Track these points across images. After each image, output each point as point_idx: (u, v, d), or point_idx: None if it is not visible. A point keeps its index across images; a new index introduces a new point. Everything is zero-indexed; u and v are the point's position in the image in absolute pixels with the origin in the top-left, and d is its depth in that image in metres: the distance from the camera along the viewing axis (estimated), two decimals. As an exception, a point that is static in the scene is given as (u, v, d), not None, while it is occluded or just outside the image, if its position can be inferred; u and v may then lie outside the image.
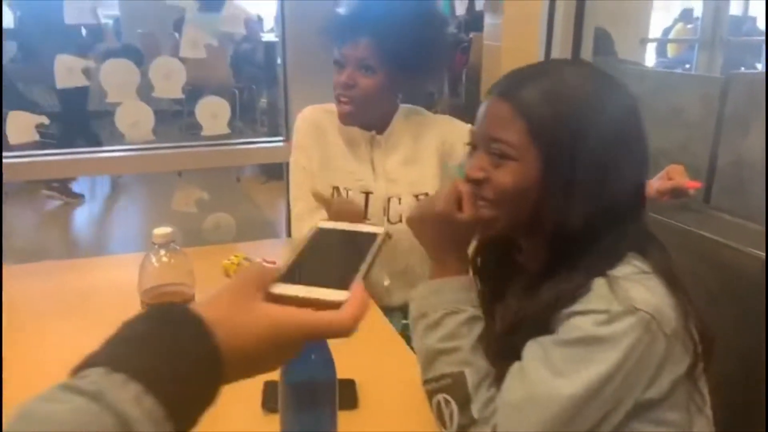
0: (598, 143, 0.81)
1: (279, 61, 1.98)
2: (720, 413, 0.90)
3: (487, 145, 0.85)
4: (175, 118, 5.12)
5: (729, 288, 1.15)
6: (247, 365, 0.48)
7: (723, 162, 1.54)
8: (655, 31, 6.71)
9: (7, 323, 1.24)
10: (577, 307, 0.78)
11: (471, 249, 0.97)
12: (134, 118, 1.68)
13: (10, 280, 1.45)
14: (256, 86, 5.42)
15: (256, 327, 0.47)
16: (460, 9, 1.95)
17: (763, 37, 5.90)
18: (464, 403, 0.83)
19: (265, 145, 2.05)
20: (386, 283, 1.55)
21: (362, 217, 1.52)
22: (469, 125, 1.62)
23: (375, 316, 1.34)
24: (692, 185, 1.31)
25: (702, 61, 4.95)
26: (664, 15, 7.26)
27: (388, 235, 0.59)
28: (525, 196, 0.83)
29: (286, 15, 1.83)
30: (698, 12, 5.67)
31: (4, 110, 1.67)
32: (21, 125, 1.61)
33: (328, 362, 0.84)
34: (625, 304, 0.75)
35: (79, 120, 4.20)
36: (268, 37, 5.37)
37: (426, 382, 0.88)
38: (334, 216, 1.48)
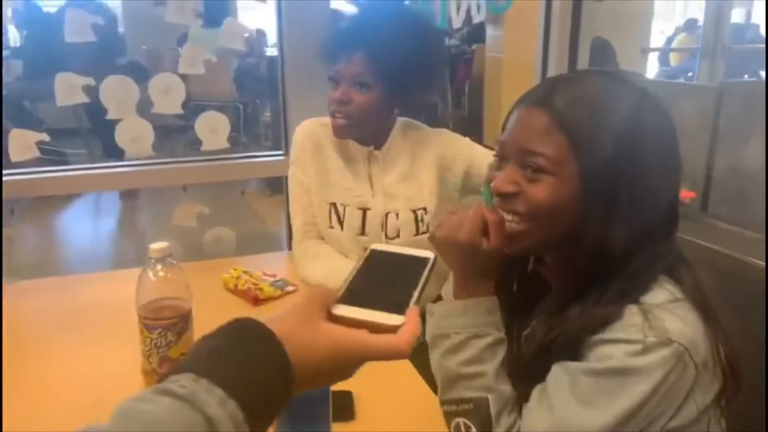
0: (640, 159, 0.78)
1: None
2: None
3: (521, 157, 0.81)
4: (179, 134, 5.14)
5: (727, 297, 1.15)
6: (311, 378, 0.53)
7: (720, 170, 1.54)
8: (659, 40, 6.73)
9: (7, 340, 1.26)
10: (609, 334, 0.75)
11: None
12: (134, 133, 1.70)
13: (10, 297, 1.47)
14: (260, 100, 5.45)
15: (320, 344, 0.53)
16: (457, 22, 1.95)
17: (765, 45, 5.90)
18: (485, 429, 0.82)
19: (265, 159, 2.06)
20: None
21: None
22: (467, 138, 1.65)
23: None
24: (685, 195, 1.31)
25: (704, 69, 4.96)
26: (666, 25, 7.28)
27: (435, 261, 0.63)
28: (560, 214, 0.79)
29: (284, 30, 1.85)
30: (701, 21, 5.68)
31: (6, 128, 1.70)
32: (21, 143, 1.64)
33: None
34: (660, 336, 0.73)
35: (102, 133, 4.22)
36: (272, 51, 5.41)
37: (444, 402, 0.87)
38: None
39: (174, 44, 4.72)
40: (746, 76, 5.55)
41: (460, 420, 0.84)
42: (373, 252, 0.66)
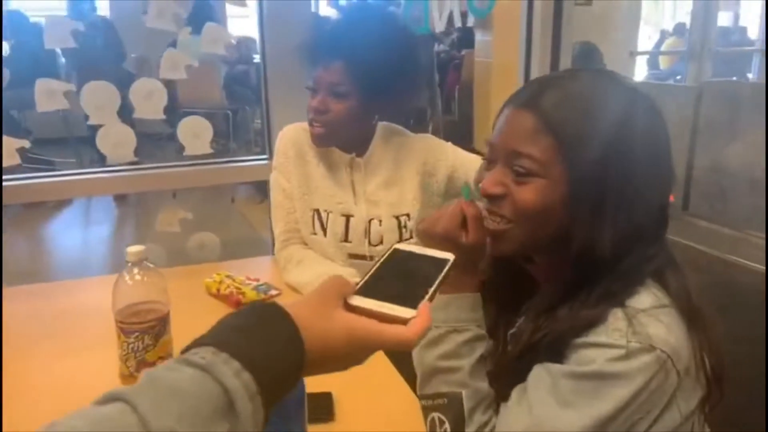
0: (630, 161, 0.76)
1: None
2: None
3: (508, 159, 0.80)
4: (169, 141, 5.15)
5: (708, 295, 1.16)
6: (323, 362, 0.56)
7: (700, 169, 1.55)
8: (647, 44, 6.78)
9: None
10: (592, 338, 0.75)
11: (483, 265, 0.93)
12: (116, 139, 1.69)
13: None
14: (249, 107, 5.45)
15: (334, 330, 0.56)
16: (440, 26, 1.96)
17: (754, 48, 5.95)
18: (458, 425, 0.82)
19: (249, 163, 2.06)
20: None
21: None
22: (450, 143, 1.65)
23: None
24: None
25: (692, 72, 4.99)
26: (653, 29, 7.33)
27: (455, 263, 0.66)
28: (548, 216, 0.78)
29: (266, 35, 1.86)
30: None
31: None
32: (3, 149, 1.63)
33: (297, 377, 0.84)
34: (643, 341, 0.72)
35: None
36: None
37: (422, 397, 0.87)
38: None
39: (162, 52, 4.73)
40: (735, 78, 5.59)
41: (435, 415, 0.84)
42: (395, 250, 0.69)
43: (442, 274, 0.64)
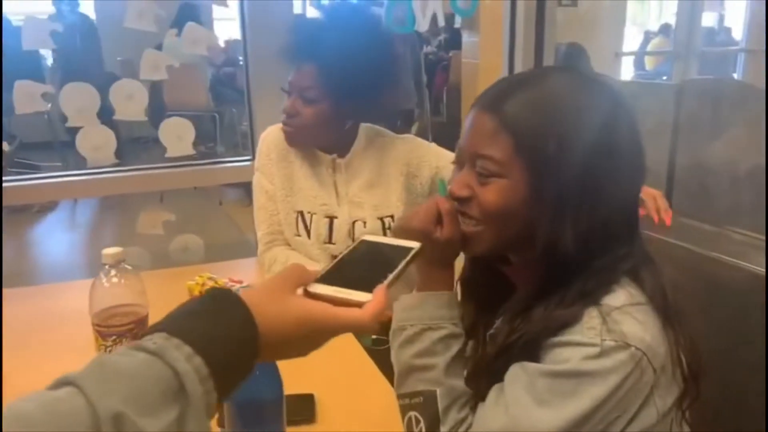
0: (589, 156, 0.76)
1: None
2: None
3: (472, 161, 0.81)
4: (157, 144, 5.12)
5: (689, 291, 1.16)
6: (278, 347, 0.57)
7: (681, 166, 1.56)
8: (633, 44, 6.82)
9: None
10: (567, 337, 0.74)
11: (461, 266, 0.94)
12: (96, 141, 1.68)
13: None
14: (236, 109, 5.43)
15: (288, 314, 0.57)
16: (423, 26, 1.96)
17: (738, 47, 6.01)
18: (433, 424, 0.81)
19: (233, 164, 2.05)
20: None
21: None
22: (433, 144, 1.65)
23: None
24: (662, 216, 1.29)
25: (677, 72, 5.03)
26: (640, 30, 7.38)
27: (420, 250, 0.66)
28: (513, 215, 0.79)
29: (248, 35, 1.85)
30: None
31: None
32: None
33: (274, 379, 0.83)
34: (618, 339, 0.72)
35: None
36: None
37: (399, 396, 0.87)
38: None
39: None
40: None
41: (412, 414, 0.84)
42: (363, 241, 0.69)
43: (405, 260, 0.64)
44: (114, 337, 1.06)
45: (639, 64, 6.77)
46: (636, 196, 0.83)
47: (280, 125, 1.59)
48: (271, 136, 1.59)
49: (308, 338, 0.59)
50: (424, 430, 0.82)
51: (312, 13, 3.04)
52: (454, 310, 0.87)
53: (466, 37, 4.60)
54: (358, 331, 0.60)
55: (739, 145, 1.54)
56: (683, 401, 0.79)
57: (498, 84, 0.84)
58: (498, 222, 0.80)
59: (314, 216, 1.53)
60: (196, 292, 1.50)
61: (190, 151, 1.84)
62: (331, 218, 1.53)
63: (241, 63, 5.52)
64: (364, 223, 1.53)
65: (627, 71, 6.31)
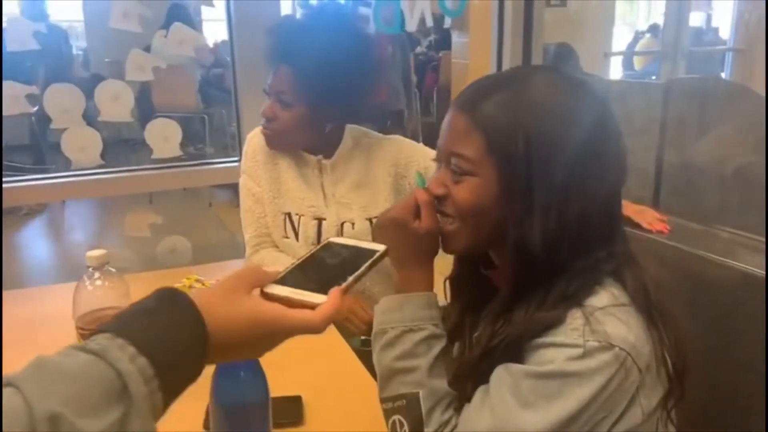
0: (559, 155, 0.76)
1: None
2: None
3: (448, 160, 0.82)
4: (145, 145, 5.09)
5: (677, 290, 1.16)
6: (230, 348, 0.57)
7: (669, 165, 1.56)
8: (622, 44, 6.85)
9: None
10: (550, 338, 0.74)
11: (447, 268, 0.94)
12: (81, 143, 1.66)
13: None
14: (226, 111, 5.41)
15: (239, 315, 0.56)
16: (411, 26, 1.96)
17: (726, 47, 6.05)
18: (417, 426, 0.81)
19: (221, 165, 2.03)
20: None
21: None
22: (420, 144, 1.64)
23: (330, 332, 1.32)
24: (656, 227, 1.30)
25: (665, 72, 5.06)
26: (629, 29, 7.42)
27: (384, 253, 0.65)
28: (485, 213, 0.79)
29: (234, 36, 1.84)
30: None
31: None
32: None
33: (260, 381, 0.82)
34: (601, 340, 0.72)
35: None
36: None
37: (383, 400, 0.86)
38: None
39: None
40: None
41: (396, 417, 0.83)
42: (328, 243, 0.69)
43: (368, 263, 0.63)
44: (98, 341, 1.05)
45: (627, 64, 6.80)
46: (616, 196, 0.82)
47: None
48: (257, 138, 1.58)
49: (260, 339, 0.58)
50: None
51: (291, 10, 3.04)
52: (435, 311, 0.87)
53: (455, 38, 4.61)
54: (309, 332, 0.58)
55: (727, 143, 1.55)
56: (668, 401, 0.79)
57: (474, 84, 0.84)
58: (472, 220, 0.81)
59: (302, 218, 1.52)
60: (184, 295, 1.49)
61: (177, 152, 1.83)
62: (320, 220, 1.52)
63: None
64: (353, 224, 1.52)
65: (616, 71, 6.34)
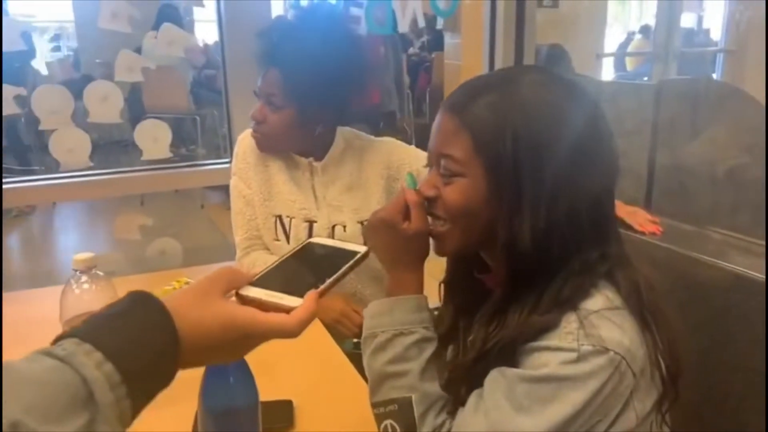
0: (547, 155, 0.75)
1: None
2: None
3: (438, 161, 0.82)
4: (136, 147, 5.07)
5: (670, 291, 1.16)
6: (203, 353, 0.55)
7: (660, 166, 1.56)
8: (615, 45, 6.88)
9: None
10: (545, 341, 0.74)
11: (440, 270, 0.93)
12: (70, 144, 1.64)
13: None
14: (218, 112, 5.39)
15: (211, 319, 0.55)
16: (403, 27, 1.95)
17: (717, 48, 6.08)
18: (410, 430, 0.80)
19: (212, 167, 2.02)
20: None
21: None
22: (413, 146, 1.63)
23: (321, 335, 1.31)
24: (648, 228, 1.30)
25: (657, 73, 5.07)
26: (621, 30, 7.45)
27: (365, 255, 0.63)
28: (475, 214, 0.79)
29: (226, 40, 1.83)
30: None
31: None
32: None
33: (249, 385, 0.81)
34: (595, 344, 0.72)
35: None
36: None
37: (374, 405, 0.85)
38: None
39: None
40: (699, 79, 5.69)
41: (388, 422, 0.82)
42: (308, 244, 0.67)
43: (347, 265, 0.62)
44: (86, 345, 1.04)
45: (619, 65, 6.83)
46: (608, 197, 0.81)
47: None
48: (247, 140, 1.57)
49: (233, 343, 0.57)
50: None
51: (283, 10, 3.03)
52: (425, 314, 0.86)
53: (448, 39, 4.61)
54: (283, 337, 0.56)
55: (719, 144, 1.55)
56: (663, 404, 0.78)
57: (463, 85, 0.84)
58: (462, 221, 0.81)
59: (293, 220, 1.51)
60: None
61: (167, 153, 1.81)
62: (311, 222, 1.51)
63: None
64: (344, 227, 1.51)
65: (608, 72, 6.37)
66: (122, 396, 0.47)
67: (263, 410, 0.80)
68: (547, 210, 0.75)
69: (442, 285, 0.95)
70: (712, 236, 1.31)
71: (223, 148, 5.43)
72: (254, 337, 0.57)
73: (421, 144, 1.63)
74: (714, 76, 5.75)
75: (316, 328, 1.31)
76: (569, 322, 0.73)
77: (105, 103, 1.66)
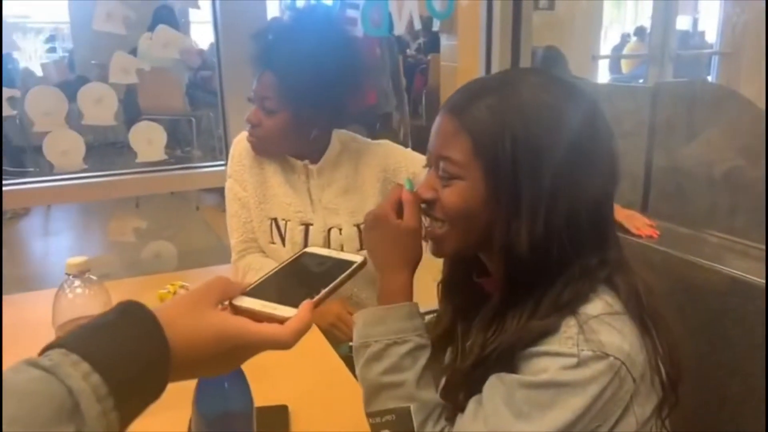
0: (546, 158, 0.74)
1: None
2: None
3: (437, 163, 0.82)
4: (132, 149, 5.05)
5: (667, 295, 1.16)
6: (195, 365, 0.54)
7: (657, 169, 1.56)
8: (609, 48, 6.90)
9: None
10: (544, 346, 0.73)
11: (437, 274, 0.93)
12: (63, 147, 1.63)
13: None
14: (213, 114, 5.38)
15: (204, 330, 0.53)
16: (399, 28, 1.95)
17: (713, 50, 6.10)
18: None
19: (207, 169, 2.01)
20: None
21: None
22: (409, 149, 1.63)
23: (317, 340, 1.31)
24: (645, 232, 1.30)
25: (653, 75, 5.08)
26: (617, 33, 7.47)
27: (361, 264, 0.63)
28: (473, 216, 0.79)
29: (221, 42, 1.82)
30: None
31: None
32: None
33: (244, 391, 0.80)
34: (595, 349, 0.71)
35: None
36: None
37: (369, 414, 0.84)
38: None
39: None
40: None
41: None
42: (304, 254, 0.66)
43: (343, 275, 0.61)
44: (79, 350, 1.03)
45: (615, 67, 6.85)
46: (607, 201, 0.81)
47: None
48: (243, 142, 1.56)
49: (227, 355, 0.55)
50: None
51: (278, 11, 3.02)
52: (417, 320, 0.86)
53: (444, 41, 4.61)
54: (277, 348, 0.55)
55: (715, 147, 1.55)
56: (662, 409, 0.78)
57: (463, 87, 0.84)
58: (461, 223, 0.80)
59: (289, 223, 1.51)
60: (168, 301, 1.47)
61: (161, 156, 1.80)
62: (307, 225, 1.51)
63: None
64: (340, 230, 1.50)
65: (603, 74, 6.38)
66: (109, 408, 0.46)
67: (258, 415, 0.80)
68: (546, 213, 0.75)
69: (440, 285, 0.95)
70: (709, 239, 1.31)
71: (219, 150, 5.40)
72: (247, 347, 0.56)
73: (418, 145, 1.62)
74: (709, 78, 5.77)
75: (312, 333, 1.29)
76: (569, 327, 0.73)
77: (99, 106, 1.65)
